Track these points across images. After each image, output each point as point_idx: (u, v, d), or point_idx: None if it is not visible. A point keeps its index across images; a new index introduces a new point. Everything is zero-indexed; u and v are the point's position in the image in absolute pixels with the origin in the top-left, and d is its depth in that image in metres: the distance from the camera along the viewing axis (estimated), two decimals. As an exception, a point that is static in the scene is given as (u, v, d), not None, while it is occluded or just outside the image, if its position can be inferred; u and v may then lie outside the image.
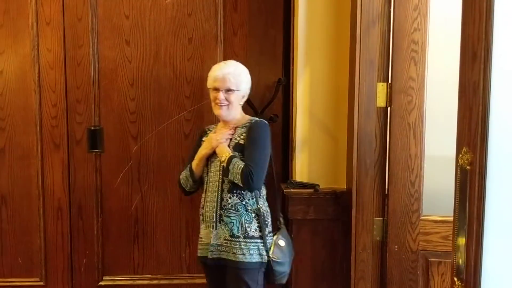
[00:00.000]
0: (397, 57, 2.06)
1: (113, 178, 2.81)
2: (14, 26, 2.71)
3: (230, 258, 2.14)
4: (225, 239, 2.16)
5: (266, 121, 2.28)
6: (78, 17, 2.71)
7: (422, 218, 2.12)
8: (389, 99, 2.10)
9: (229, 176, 2.11)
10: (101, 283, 2.87)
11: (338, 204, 2.40)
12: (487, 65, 0.98)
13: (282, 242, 2.20)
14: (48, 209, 2.80)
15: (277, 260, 2.15)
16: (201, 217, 2.29)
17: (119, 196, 2.82)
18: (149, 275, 2.88)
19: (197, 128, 2.81)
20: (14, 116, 2.75)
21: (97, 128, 2.77)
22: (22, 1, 2.69)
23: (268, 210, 2.24)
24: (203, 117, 2.80)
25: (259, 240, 2.15)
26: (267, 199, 2.28)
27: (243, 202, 2.16)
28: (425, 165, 2.10)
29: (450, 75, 1.44)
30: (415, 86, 2.05)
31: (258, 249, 2.14)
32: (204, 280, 2.88)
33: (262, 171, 2.12)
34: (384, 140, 2.14)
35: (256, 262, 2.13)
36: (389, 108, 2.11)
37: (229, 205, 2.16)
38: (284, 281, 2.24)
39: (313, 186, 2.41)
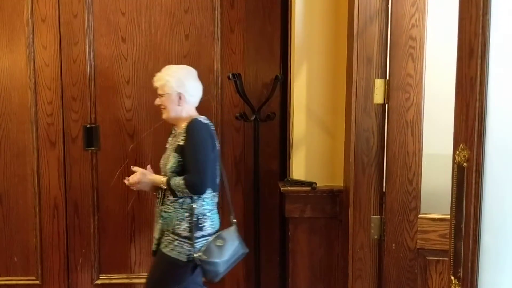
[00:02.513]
0: (395, 54, 2.04)
1: (109, 176, 2.80)
2: (9, 23, 2.69)
3: (163, 251, 2.24)
4: (161, 233, 2.27)
5: (202, 120, 2.26)
6: (73, 13, 2.69)
7: (420, 216, 2.10)
8: (387, 96, 2.08)
9: (178, 194, 2.19)
10: (98, 281, 2.86)
11: (335, 202, 2.39)
12: (484, 60, 0.97)
13: (220, 242, 2.21)
14: (44, 207, 2.79)
15: (207, 260, 2.17)
16: None
17: (115, 194, 2.81)
18: (146, 274, 2.85)
19: (194, 125, 2.79)
20: (10, 113, 2.74)
21: (93, 125, 2.76)
22: (17, -2, 2.67)
23: (207, 212, 2.24)
24: (200, 115, 2.78)
25: (186, 240, 2.19)
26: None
27: (180, 200, 2.21)
28: (423, 163, 2.08)
29: (448, 72, 1.43)
30: (413, 83, 2.03)
31: (183, 248, 2.19)
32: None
33: (204, 174, 2.16)
34: (382, 138, 2.12)
35: (178, 260, 2.19)
36: (386, 105, 2.09)
37: (169, 202, 2.24)
38: (216, 280, 2.26)
39: (310, 184, 2.39)
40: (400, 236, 2.11)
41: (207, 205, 2.24)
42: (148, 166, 2.33)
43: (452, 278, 1.07)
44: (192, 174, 2.15)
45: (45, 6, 2.68)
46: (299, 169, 2.47)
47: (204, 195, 2.21)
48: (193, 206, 2.18)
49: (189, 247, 2.18)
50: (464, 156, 1.03)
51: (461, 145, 1.05)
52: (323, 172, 2.45)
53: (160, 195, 2.28)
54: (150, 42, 2.74)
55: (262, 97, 2.69)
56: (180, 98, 2.25)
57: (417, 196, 2.09)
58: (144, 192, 2.81)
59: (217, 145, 2.29)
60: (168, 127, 2.77)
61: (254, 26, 2.74)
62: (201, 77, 2.74)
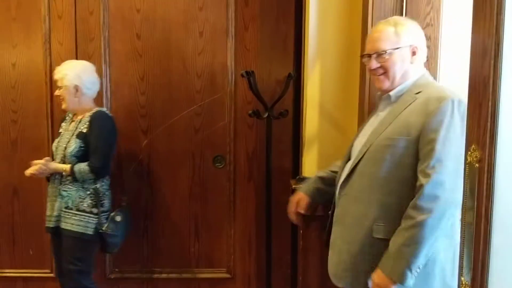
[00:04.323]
0: (409, 53, 2.02)
1: (123, 172, 2.82)
2: (26, 20, 2.73)
3: (64, 227, 2.40)
4: (61, 210, 2.41)
5: (106, 112, 2.51)
6: (89, 10, 2.72)
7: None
8: (400, 95, 2.06)
9: (79, 179, 2.38)
10: (111, 276, 2.90)
11: (348, 200, 2.38)
12: (497, 60, 0.96)
13: (118, 218, 2.47)
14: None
15: (111, 232, 2.43)
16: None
17: (129, 190, 2.84)
18: (158, 269, 2.90)
19: (208, 122, 2.81)
20: (26, 108, 2.78)
21: (107, 121, 2.79)
22: (35, -5, 2.71)
23: (105, 191, 2.47)
24: (213, 112, 2.80)
25: (91, 215, 2.40)
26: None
27: (81, 180, 2.40)
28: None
29: (463, 71, 1.42)
30: (427, 82, 2.01)
31: (89, 222, 2.40)
32: (212, 275, 2.92)
33: (107, 160, 2.43)
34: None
35: (86, 234, 2.39)
36: (400, 104, 2.08)
37: (68, 182, 2.41)
38: (115, 250, 2.54)
39: (322, 182, 2.38)
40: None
41: (105, 185, 2.48)
42: (47, 158, 2.44)
43: (462, 279, 1.07)
44: (97, 159, 2.37)
45: (62, 3, 2.72)
46: (311, 166, 2.47)
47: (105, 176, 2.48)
48: (97, 186, 2.42)
49: (94, 220, 2.40)
50: (476, 156, 1.03)
51: (473, 146, 1.04)
52: (335, 170, 2.44)
53: (56, 177, 2.45)
54: (165, 39, 2.76)
55: (275, 95, 2.69)
56: (77, 90, 2.44)
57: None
58: (157, 188, 2.84)
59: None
60: (182, 124, 2.80)
61: (268, 23, 2.75)
62: (215, 74, 2.78)
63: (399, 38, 1.63)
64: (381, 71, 1.66)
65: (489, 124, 0.98)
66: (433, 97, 1.56)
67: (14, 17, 2.73)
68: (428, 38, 2.00)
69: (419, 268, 1.51)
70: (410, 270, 1.50)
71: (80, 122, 2.46)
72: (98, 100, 2.76)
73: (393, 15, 2.04)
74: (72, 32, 2.73)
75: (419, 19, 2.00)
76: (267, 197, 2.66)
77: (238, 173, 2.85)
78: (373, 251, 1.60)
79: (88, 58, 2.74)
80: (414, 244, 1.49)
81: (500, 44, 0.96)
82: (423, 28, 2.00)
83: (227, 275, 2.92)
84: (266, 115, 2.63)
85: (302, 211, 2.01)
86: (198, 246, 2.89)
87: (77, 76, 2.43)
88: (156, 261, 2.90)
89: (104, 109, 2.55)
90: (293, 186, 2.45)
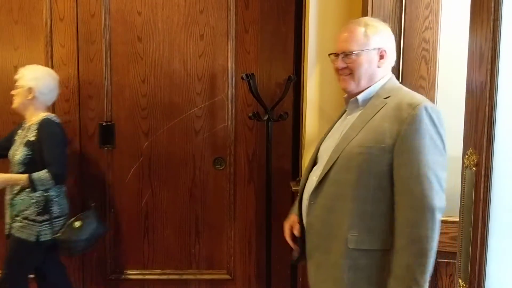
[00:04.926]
0: (408, 56, 2.04)
1: (124, 173, 2.84)
2: (28, 22, 2.75)
3: (13, 233, 2.40)
4: (11, 218, 2.41)
5: (53, 119, 2.43)
6: (91, 13, 2.74)
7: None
8: (400, 98, 2.08)
9: (38, 188, 2.34)
10: (112, 277, 2.91)
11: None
12: (494, 65, 0.98)
13: (77, 224, 2.44)
14: (60, 203, 2.84)
15: (65, 239, 2.40)
16: None
17: (129, 191, 2.85)
18: (159, 270, 2.91)
19: (208, 124, 2.82)
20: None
21: (109, 123, 2.80)
22: (37, -3, 2.73)
23: (54, 198, 2.41)
24: (214, 114, 2.82)
25: (33, 222, 2.37)
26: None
27: (27, 190, 2.36)
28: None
29: (462, 74, 1.42)
30: (426, 85, 2.03)
31: (31, 230, 2.37)
32: (212, 276, 2.93)
33: (63, 165, 2.39)
34: (394, 139, 2.12)
35: (28, 241, 2.37)
36: (399, 107, 2.09)
37: (16, 191, 2.39)
38: (75, 255, 2.58)
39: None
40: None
41: (52, 191, 2.40)
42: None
43: (460, 280, 1.08)
44: (56, 167, 2.34)
45: (64, 6, 2.73)
46: (311, 169, 2.48)
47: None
48: (44, 194, 2.37)
49: (37, 228, 2.37)
50: (473, 160, 1.04)
51: (470, 149, 1.06)
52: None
53: (9, 187, 2.44)
54: (166, 41, 2.77)
55: (275, 97, 2.71)
56: (30, 92, 2.41)
57: (428, 198, 2.09)
58: (158, 190, 2.85)
59: (66, 141, 2.51)
60: (183, 126, 2.81)
61: (268, 26, 2.76)
62: (215, 76, 2.79)
63: (368, 40, 1.61)
64: (347, 71, 1.64)
65: (486, 128, 0.99)
66: (405, 102, 1.53)
67: (16, 19, 2.74)
68: (427, 41, 2.02)
69: (429, 280, 1.49)
70: (419, 285, 1.48)
71: (28, 129, 2.42)
72: (100, 101, 2.79)
73: (392, 19, 2.05)
74: (74, 34, 2.74)
75: (418, 23, 2.02)
76: (267, 198, 2.68)
77: (238, 175, 2.87)
78: (350, 262, 1.56)
79: (89, 60, 2.75)
80: (418, 260, 1.47)
81: (497, 49, 0.97)
82: (422, 32, 2.02)
83: (227, 276, 2.93)
84: (266, 117, 2.64)
85: (298, 235, 1.81)
86: (198, 247, 2.90)
87: (34, 78, 2.42)
88: (157, 262, 2.91)
89: (52, 115, 2.47)
90: (293, 188, 2.47)
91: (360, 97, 1.64)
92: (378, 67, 1.63)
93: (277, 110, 2.68)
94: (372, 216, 1.53)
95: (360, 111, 1.63)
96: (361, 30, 1.62)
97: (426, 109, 1.49)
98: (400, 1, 2.04)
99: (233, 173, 2.86)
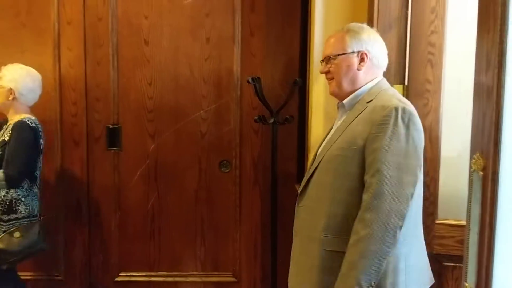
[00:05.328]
0: (414, 60, 2.04)
1: (131, 176, 2.86)
2: (36, 26, 2.77)
3: None
4: None
5: (28, 122, 2.40)
6: (98, 17, 2.76)
7: (437, 221, 2.10)
8: (405, 102, 2.08)
9: None
10: (117, 279, 2.92)
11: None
12: (500, 70, 0.98)
13: (17, 234, 2.38)
14: (67, 205, 2.87)
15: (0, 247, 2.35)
16: None
17: (136, 193, 2.87)
18: (165, 272, 2.92)
19: (214, 127, 2.84)
20: (35, 113, 2.79)
21: (115, 126, 2.82)
22: (44, 2, 2.75)
23: (21, 198, 2.39)
24: (219, 117, 2.83)
25: (2, 222, 2.37)
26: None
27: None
28: (440, 169, 2.08)
29: (468, 78, 1.43)
30: (432, 89, 2.03)
31: None
32: (218, 279, 2.94)
33: (20, 169, 2.36)
34: (400, 143, 2.12)
35: None
36: (405, 111, 2.09)
37: None
38: (2, 266, 2.41)
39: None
40: (417, 241, 2.10)
41: (20, 191, 2.40)
42: None
43: (466, 285, 1.08)
44: (12, 168, 2.33)
45: (71, 10, 2.75)
46: (316, 172, 2.49)
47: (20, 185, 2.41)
48: (10, 193, 2.38)
49: (3, 228, 2.36)
50: (480, 164, 1.04)
51: (477, 154, 1.06)
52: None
53: None
54: (172, 45, 2.79)
55: (280, 100, 2.71)
56: (10, 93, 2.42)
57: (434, 202, 2.09)
58: (164, 192, 2.87)
59: (42, 143, 2.47)
60: (189, 128, 2.83)
61: (274, 30, 2.78)
62: (221, 79, 2.80)
63: (346, 44, 1.64)
64: (329, 76, 1.68)
65: (493, 133, 1.00)
66: (379, 105, 1.55)
67: (24, 23, 2.77)
68: (433, 45, 2.02)
69: (371, 285, 1.45)
70: (361, 287, 1.44)
71: (6, 129, 2.43)
72: (107, 104, 2.80)
73: (398, 23, 2.06)
74: (81, 38, 2.77)
75: (424, 26, 2.02)
76: (272, 201, 2.69)
77: (244, 177, 2.88)
78: (324, 263, 1.56)
79: (96, 63, 2.77)
80: (361, 259, 1.45)
81: (504, 54, 0.98)
82: (428, 36, 2.02)
83: (233, 279, 2.94)
84: (271, 120, 2.65)
85: None
86: (204, 249, 2.91)
87: (13, 80, 2.43)
88: (163, 265, 2.92)
89: (30, 118, 2.43)
90: (298, 191, 2.47)
91: (345, 101, 1.67)
92: (358, 69, 1.64)
93: (283, 113, 2.69)
94: (344, 218, 1.54)
95: (346, 115, 1.66)
96: (342, 35, 1.66)
97: (396, 110, 1.49)
98: (406, 5, 2.04)
99: (238, 175, 2.87)
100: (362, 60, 1.64)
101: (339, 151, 1.57)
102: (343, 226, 1.53)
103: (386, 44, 2.09)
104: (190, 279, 2.92)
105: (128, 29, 2.78)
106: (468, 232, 1.11)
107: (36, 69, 2.76)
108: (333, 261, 1.54)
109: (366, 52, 1.64)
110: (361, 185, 1.51)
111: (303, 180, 1.71)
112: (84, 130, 2.82)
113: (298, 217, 1.70)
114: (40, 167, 2.49)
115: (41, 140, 2.47)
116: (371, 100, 1.59)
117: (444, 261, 2.10)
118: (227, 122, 2.84)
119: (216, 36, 2.79)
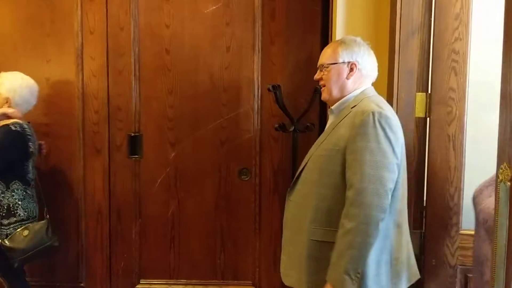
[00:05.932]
0: (437, 67, 2.02)
1: (151, 183, 2.88)
2: (60, 35, 2.82)
3: None
4: None
5: (11, 126, 2.42)
6: (120, 26, 2.80)
7: (461, 232, 2.06)
8: (428, 110, 2.06)
9: None
10: (138, 286, 2.94)
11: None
12: (529, 79, 0.96)
13: (26, 232, 2.45)
14: (88, 213, 2.90)
15: (8, 245, 2.41)
16: None
17: (156, 201, 2.88)
18: (184, 280, 2.93)
19: (233, 135, 2.84)
20: (58, 121, 2.86)
21: (136, 134, 2.85)
22: (68, 11, 2.80)
23: (18, 201, 2.45)
24: (239, 125, 2.83)
25: (3, 226, 2.42)
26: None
27: None
28: (465, 178, 2.05)
29: (493, 86, 1.40)
30: (456, 96, 2.01)
31: None
32: (238, 287, 2.93)
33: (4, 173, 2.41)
34: (423, 152, 2.10)
35: None
36: (428, 119, 2.07)
37: None
38: (14, 265, 2.45)
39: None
40: (440, 252, 2.07)
41: (17, 195, 2.45)
42: None
43: (494, 298, 1.06)
44: None
45: (94, 20, 2.80)
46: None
47: (14, 187, 2.45)
48: (7, 198, 2.43)
49: (4, 232, 2.42)
50: (507, 174, 1.02)
51: (504, 164, 1.04)
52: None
53: None
54: (193, 54, 2.81)
55: (301, 108, 2.71)
56: (6, 102, 2.47)
57: (458, 212, 2.06)
58: (184, 200, 2.88)
59: (31, 146, 2.48)
60: (209, 136, 2.84)
61: (294, 38, 2.77)
62: (241, 88, 2.81)
63: (338, 55, 1.80)
64: (322, 82, 1.85)
65: (520, 142, 0.98)
66: (359, 110, 1.69)
67: (48, 33, 2.82)
68: (456, 52, 2.00)
69: (358, 273, 1.62)
70: (349, 275, 1.61)
71: None
72: (129, 113, 2.83)
73: (421, 30, 2.04)
74: (104, 47, 2.80)
75: (447, 33, 2.00)
76: (293, 210, 2.67)
77: (264, 185, 2.87)
78: (311, 252, 1.73)
79: (118, 73, 2.81)
80: (348, 250, 1.61)
81: (532, 62, 0.96)
82: (452, 43, 2.00)
83: (252, 287, 2.93)
84: (292, 128, 2.65)
85: None
86: (223, 258, 2.91)
87: (12, 89, 2.48)
88: (182, 272, 2.93)
89: (17, 122, 2.45)
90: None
91: (334, 107, 1.84)
92: (347, 78, 1.80)
93: (303, 121, 2.68)
94: (329, 211, 1.70)
95: (333, 120, 1.84)
96: (336, 46, 1.83)
97: (373, 114, 1.64)
98: (429, 12, 2.02)
99: (258, 184, 2.86)
100: (351, 70, 1.80)
101: (324, 152, 1.75)
102: (329, 219, 1.70)
103: (409, 51, 2.08)
104: (209, 287, 2.92)
105: (149, 38, 2.81)
106: (496, 243, 1.08)
107: (60, 78, 2.84)
108: (319, 250, 1.72)
109: (355, 62, 1.79)
110: (344, 182, 1.67)
111: (294, 177, 1.88)
112: (106, 138, 2.85)
113: (288, 211, 1.89)
114: (32, 170, 2.53)
115: (30, 143, 2.48)
116: (354, 106, 1.75)
117: (469, 273, 2.06)
118: (246, 130, 2.84)
119: (236, 44, 2.80)
